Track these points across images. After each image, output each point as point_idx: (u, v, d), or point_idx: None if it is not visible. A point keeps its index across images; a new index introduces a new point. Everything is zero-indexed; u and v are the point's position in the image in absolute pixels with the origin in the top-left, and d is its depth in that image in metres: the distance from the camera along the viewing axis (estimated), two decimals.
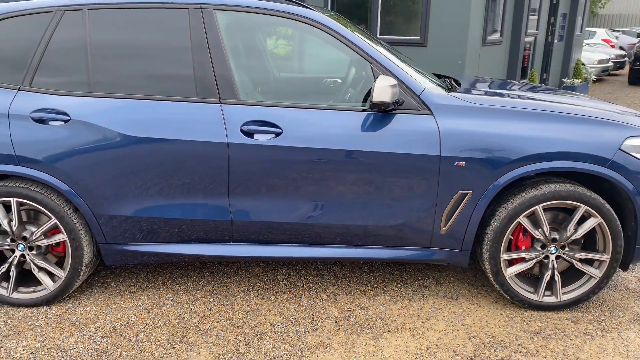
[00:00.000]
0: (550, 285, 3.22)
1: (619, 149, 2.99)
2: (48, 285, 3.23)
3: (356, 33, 3.19)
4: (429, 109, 3.03)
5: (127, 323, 3.08)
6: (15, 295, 3.25)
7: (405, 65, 3.37)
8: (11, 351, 2.82)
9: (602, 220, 3.06)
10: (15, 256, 3.20)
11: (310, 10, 3.11)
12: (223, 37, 3.07)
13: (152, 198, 3.09)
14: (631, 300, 3.38)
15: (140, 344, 2.89)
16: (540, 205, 3.04)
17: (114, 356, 2.78)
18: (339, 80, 3.70)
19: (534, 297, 3.21)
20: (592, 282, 3.19)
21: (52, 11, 3.12)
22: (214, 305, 3.28)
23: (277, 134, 2.99)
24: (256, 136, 3.00)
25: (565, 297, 3.21)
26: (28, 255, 3.20)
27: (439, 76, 4.05)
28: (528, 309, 3.25)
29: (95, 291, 3.44)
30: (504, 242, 3.11)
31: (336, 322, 3.11)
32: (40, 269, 3.23)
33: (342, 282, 3.57)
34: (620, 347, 2.89)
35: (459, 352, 2.84)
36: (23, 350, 2.83)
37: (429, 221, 3.11)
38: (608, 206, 3.05)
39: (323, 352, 2.83)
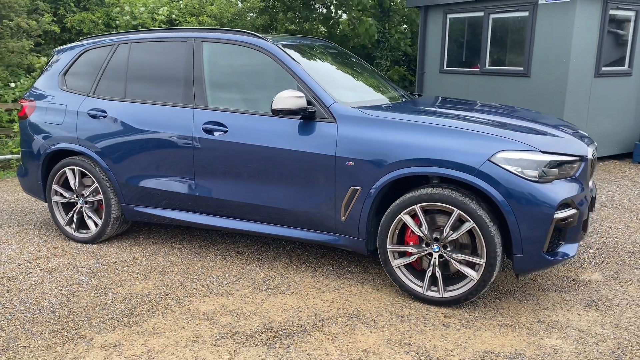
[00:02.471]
0: (437, 281, 3.55)
1: (488, 160, 3.27)
2: (92, 229, 4.72)
3: (298, 58, 4.03)
4: (334, 118, 3.72)
5: (124, 261, 4.37)
6: (76, 234, 4.81)
7: (360, 82, 4.21)
8: (49, 262, 4.33)
9: (474, 225, 3.34)
10: (77, 207, 4.76)
11: (262, 40, 4.07)
12: (204, 60, 4.22)
13: (148, 173, 4.36)
14: (527, 313, 3.47)
15: (120, 272, 4.14)
16: (419, 205, 3.46)
17: (99, 275, 4.08)
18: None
19: (419, 290, 3.58)
20: (471, 284, 3.44)
21: (112, 45, 4.66)
22: (187, 260, 4.38)
23: (225, 132, 4.01)
24: (214, 133, 4.06)
25: (447, 294, 3.52)
26: (83, 207, 4.74)
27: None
28: (416, 300, 3.62)
29: (126, 241, 4.83)
30: (389, 235, 3.59)
31: (254, 282, 3.94)
32: (89, 217, 4.74)
33: (289, 259, 4.35)
34: (460, 339, 3.15)
35: (319, 314, 3.44)
36: (57, 262, 4.32)
37: (331, 210, 3.76)
38: (480, 212, 3.32)
39: (223, 296, 3.71)
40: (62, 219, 4.86)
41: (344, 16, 12.47)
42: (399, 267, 3.63)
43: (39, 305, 3.59)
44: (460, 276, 3.53)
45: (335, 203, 3.73)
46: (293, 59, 3.97)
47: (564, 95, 7.72)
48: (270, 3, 12.01)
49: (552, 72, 7.81)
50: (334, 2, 11.82)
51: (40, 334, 3.22)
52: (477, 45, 8.93)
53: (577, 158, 3.45)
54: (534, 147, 3.30)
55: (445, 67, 9.63)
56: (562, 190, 3.30)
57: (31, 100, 4.95)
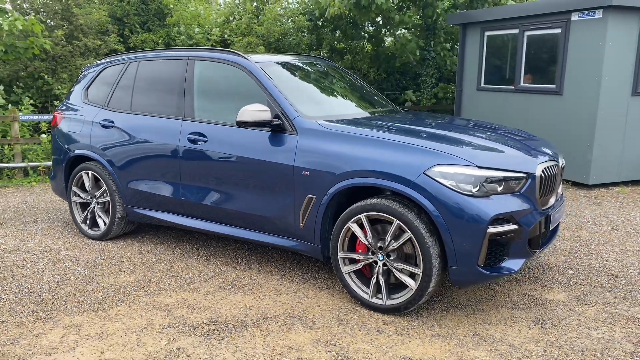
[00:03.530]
0: (382, 289, 3.67)
1: (424, 173, 3.38)
2: (101, 227, 5.25)
3: (276, 75, 4.34)
4: (296, 131, 3.97)
5: (121, 257, 4.84)
6: (89, 231, 5.36)
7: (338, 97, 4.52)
8: (58, 254, 4.88)
9: (412, 235, 3.45)
10: (91, 207, 5.32)
11: (240, 58, 4.42)
12: (195, 77, 4.64)
13: (144, 178, 4.82)
14: (467, 325, 3.50)
15: (112, 266, 4.60)
16: (364, 215, 3.63)
17: (94, 267, 4.56)
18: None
19: (365, 296, 3.72)
20: (410, 294, 3.54)
21: (124, 63, 5.21)
22: (175, 259, 4.77)
23: (205, 142, 4.38)
24: (197, 143, 4.44)
25: (389, 302, 3.63)
26: (95, 207, 5.29)
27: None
28: (362, 307, 3.76)
29: (132, 240, 5.32)
30: (340, 242, 3.77)
31: (223, 281, 4.24)
32: (99, 216, 5.28)
33: (265, 263, 4.61)
34: (387, 344, 3.26)
35: (265, 313, 3.67)
36: (64, 254, 4.87)
37: (292, 218, 4.00)
38: (417, 224, 3.42)
39: (189, 292, 4.03)
40: (79, 217, 5.44)
41: (388, 34, 12.65)
42: (348, 273, 3.79)
43: (31, 289, 4.10)
44: (404, 285, 3.63)
45: (295, 210, 3.96)
46: (268, 75, 4.27)
47: (595, 115, 7.45)
48: (320, 23, 12.44)
49: (584, 90, 7.57)
50: (380, 22, 12.03)
51: (21, 312, 3.71)
52: (513, 63, 8.81)
53: (523, 174, 3.47)
54: (470, 162, 3.37)
55: (482, 85, 9.55)
56: (498, 205, 3.34)
57: (61, 112, 5.61)
